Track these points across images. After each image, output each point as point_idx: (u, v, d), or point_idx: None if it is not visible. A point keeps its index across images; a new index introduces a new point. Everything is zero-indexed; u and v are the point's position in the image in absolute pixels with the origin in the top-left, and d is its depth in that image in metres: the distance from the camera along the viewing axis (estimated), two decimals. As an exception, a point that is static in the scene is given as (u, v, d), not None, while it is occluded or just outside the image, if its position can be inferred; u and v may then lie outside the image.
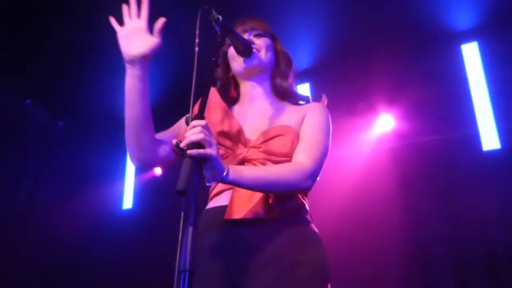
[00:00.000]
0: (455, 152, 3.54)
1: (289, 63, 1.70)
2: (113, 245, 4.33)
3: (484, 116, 3.58)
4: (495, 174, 3.36)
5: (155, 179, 4.52)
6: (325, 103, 1.67)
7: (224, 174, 1.23)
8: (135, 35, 1.39)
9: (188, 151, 1.13)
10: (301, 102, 1.67)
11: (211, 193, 1.54)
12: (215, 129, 1.47)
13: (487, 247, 3.23)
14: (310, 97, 1.67)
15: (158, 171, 4.51)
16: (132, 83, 1.40)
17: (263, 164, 1.45)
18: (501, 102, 3.57)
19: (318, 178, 1.47)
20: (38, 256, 4.18)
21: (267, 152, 1.47)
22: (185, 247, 1.03)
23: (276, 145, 1.48)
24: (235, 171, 1.28)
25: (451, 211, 3.42)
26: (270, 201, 1.40)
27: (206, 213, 1.50)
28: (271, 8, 3.46)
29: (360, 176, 3.69)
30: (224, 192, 1.47)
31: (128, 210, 4.58)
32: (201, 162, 1.15)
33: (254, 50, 1.60)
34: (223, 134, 1.49)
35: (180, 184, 1.05)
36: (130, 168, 4.72)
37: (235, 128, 1.50)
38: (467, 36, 3.80)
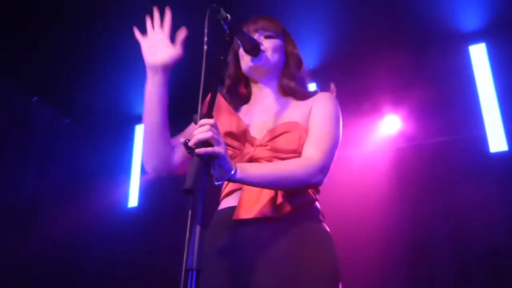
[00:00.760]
0: (462, 154, 3.52)
1: (299, 64, 1.69)
2: (118, 243, 4.33)
3: (491, 117, 3.56)
4: (502, 176, 3.35)
5: (161, 177, 4.51)
6: (334, 93, 1.66)
7: (232, 172, 1.23)
8: (158, 45, 1.45)
9: (196, 150, 1.13)
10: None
11: (222, 194, 1.54)
12: (222, 130, 1.47)
13: (493, 250, 3.21)
14: (318, 91, 1.66)
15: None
16: (153, 90, 1.45)
17: (270, 161, 1.44)
18: (509, 104, 3.55)
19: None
20: (42, 253, 4.19)
21: (274, 150, 1.46)
22: (192, 245, 1.03)
23: (283, 142, 1.47)
24: (243, 169, 1.28)
25: (457, 213, 3.41)
26: (279, 200, 1.39)
27: (217, 214, 1.50)
28: (275, 9, 3.45)
29: (365, 177, 3.68)
30: (234, 193, 1.47)
31: (133, 208, 4.58)
32: (209, 160, 1.15)
33: (261, 49, 1.59)
34: (230, 134, 1.49)
35: (188, 182, 1.05)
36: (135, 166, 4.72)
37: (241, 128, 1.50)
38: (475, 37, 3.77)
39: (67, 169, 4.64)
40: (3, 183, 4.20)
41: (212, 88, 1.27)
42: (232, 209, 1.42)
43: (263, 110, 1.61)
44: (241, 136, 1.50)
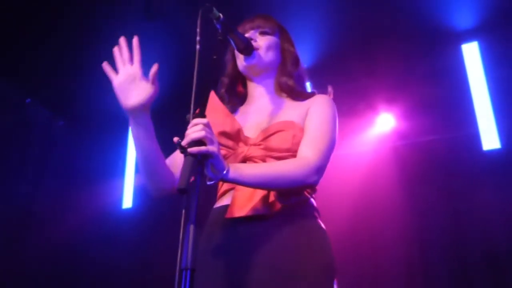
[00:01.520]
0: (455, 152, 3.54)
1: (295, 62, 1.67)
2: (113, 244, 4.32)
3: (484, 115, 3.58)
4: (495, 174, 3.36)
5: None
6: (331, 95, 1.65)
7: (225, 172, 1.23)
8: (131, 84, 1.34)
9: (189, 149, 1.12)
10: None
11: (218, 193, 1.54)
12: (216, 129, 1.47)
13: (488, 246, 3.23)
14: (316, 92, 1.65)
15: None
16: (137, 131, 1.39)
17: (264, 161, 1.44)
18: (501, 102, 3.57)
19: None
20: (37, 255, 4.17)
21: (267, 149, 1.46)
22: (186, 245, 1.02)
23: (277, 141, 1.46)
24: (236, 168, 1.27)
25: (451, 210, 3.42)
26: (272, 198, 1.39)
27: (212, 212, 1.50)
28: (271, 8, 3.45)
29: (360, 176, 3.69)
30: (229, 192, 1.46)
31: (128, 210, 4.57)
32: (203, 160, 1.15)
33: (254, 48, 1.59)
34: (223, 134, 1.48)
35: (181, 182, 1.05)
36: (130, 167, 4.71)
37: (235, 128, 1.49)
38: (468, 36, 3.79)
39: (62, 170, 4.63)
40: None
41: (205, 88, 1.27)
42: (225, 208, 1.42)
43: (258, 109, 1.61)
44: (235, 136, 1.49)
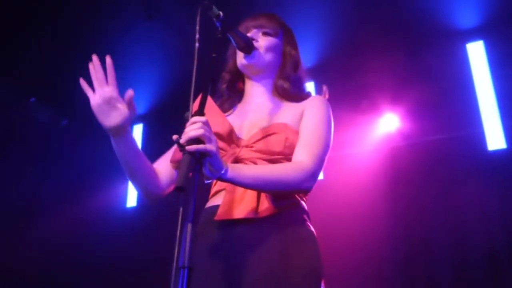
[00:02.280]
0: (460, 152, 3.51)
1: (295, 66, 1.65)
2: (117, 243, 4.32)
3: (489, 115, 3.55)
4: (500, 174, 3.34)
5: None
6: (326, 95, 1.64)
7: (223, 171, 1.22)
8: (108, 105, 1.36)
9: (187, 147, 1.12)
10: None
11: (210, 193, 1.54)
12: None
13: (491, 248, 3.21)
14: (311, 93, 1.64)
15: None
16: (118, 146, 1.43)
17: (255, 163, 1.44)
18: (507, 102, 3.54)
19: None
20: (41, 254, 4.19)
21: (259, 151, 1.45)
22: (184, 243, 1.02)
23: (269, 144, 1.46)
24: (234, 168, 1.27)
25: (456, 211, 3.40)
26: (262, 201, 1.38)
27: (203, 213, 1.50)
28: (273, 7, 3.44)
29: (363, 176, 3.68)
30: (220, 192, 1.46)
31: (132, 208, 4.58)
32: (201, 158, 1.14)
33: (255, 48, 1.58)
34: (215, 134, 1.48)
35: (179, 180, 1.04)
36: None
37: (227, 129, 1.48)
38: (473, 35, 3.77)
39: (65, 169, 4.63)
40: (2, 184, 4.21)
41: (203, 86, 1.26)
42: (216, 209, 1.41)
43: (253, 110, 1.60)
44: (227, 137, 1.48)
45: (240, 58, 1.61)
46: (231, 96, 1.67)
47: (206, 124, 1.17)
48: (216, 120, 1.49)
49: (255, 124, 1.53)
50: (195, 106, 1.23)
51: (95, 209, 4.44)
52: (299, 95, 1.61)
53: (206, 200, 1.54)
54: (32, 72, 4.08)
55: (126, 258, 4.27)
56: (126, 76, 3.98)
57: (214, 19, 1.39)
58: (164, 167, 1.55)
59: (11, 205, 4.16)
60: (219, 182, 1.45)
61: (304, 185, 1.38)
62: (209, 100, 1.55)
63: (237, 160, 1.45)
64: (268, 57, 1.61)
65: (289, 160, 1.45)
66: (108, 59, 1.36)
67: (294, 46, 1.69)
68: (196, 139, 1.14)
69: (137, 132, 4.71)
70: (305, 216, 1.47)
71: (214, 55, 1.34)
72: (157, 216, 4.26)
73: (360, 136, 3.86)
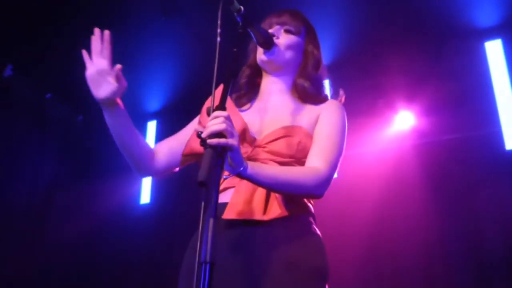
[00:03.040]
0: (477, 151, 3.47)
1: (316, 65, 1.64)
2: (131, 240, 4.34)
3: (507, 114, 3.50)
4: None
5: (173, 173, 4.51)
6: (343, 100, 1.63)
7: (243, 167, 1.22)
8: (100, 77, 1.43)
9: (209, 140, 1.11)
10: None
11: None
12: None
13: (509, 247, 3.16)
14: (328, 97, 1.63)
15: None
16: (109, 120, 1.50)
17: (266, 163, 1.43)
18: (525, 101, 3.49)
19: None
20: (56, 250, 4.23)
21: (271, 153, 1.45)
22: (206, 238, 1.01)
23: (281, 146, 1.45)
24: (254, 165, 1.28)
25: (472, 210, 3.36)
26: (271, 202, 1.38)
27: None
28: (292, 4, 3.42)
29: (379, 174, 3.65)
30: (228, 190, 1.44)
31: (145, 205, 4.59)
32: (222, 152, 1.13)
33: (274, 44, 1.57)
34: None
35: (201, 174, 1.03)
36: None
37: (241, 127, 1.47)
38: (491, 33, 3.72)
39: (80, 166, 4.66)
40: (18, 180, 4.25)
41: (224, 80, 1.26)
42: (224, 206, 1.39)
43: (270, 109, 1.59)
44: (241, 135, 1.46)
45: (260, 54, 1.60)
46: (249, 91, 1.67)
47: (228, 118, 1.17)
48: (232, 118, 1.49)
49: (270, 124, 1.53)
50: (216, 100, 1.22)
51: (109, 206, 4.46)
52: (317, 97, 1.61)
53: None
54: (48, 69, 4.11)
55: (140, 255, 4.29)
56: (141, 72, 3.99)
57: (235, 13, 1.39)
58: (165, 150, 1.60)
59: (28, 201, 4.19)
60: (228, 179, 1.44)
61: (318, 190, 1.39)
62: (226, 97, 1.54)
63: (248, 159, 1.43)
64: (288, 54, 1.60)
65: (300, 163, 1.46)
66: (106, 33, 1.44)
67: (317, 46, 1.68)
68: (218, 133, 1.13)
69: (151, 129, 4.73)
70: (312, 219, 1.47)
71: (235, 49, 1.33)
72: (171, 213, 4.27)
73: (375, 134, 3.83)
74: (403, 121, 3.83)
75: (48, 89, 4.46)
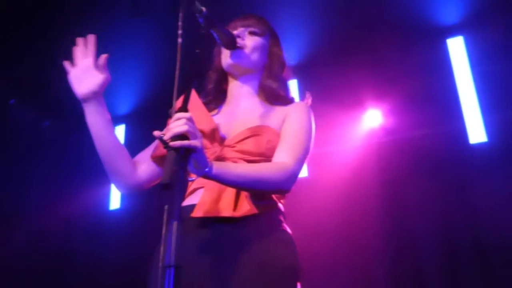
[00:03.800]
0: (442, 146, 3.55)
1: (282, 66, 1.67)
2: (101, 246, 4.27)
3: (470, 109, 3.59)
4: (483, 167, 3.38)
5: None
6: (309, 102, 1.65)
7: (208, 168, 1.22)
8: (84, 74, 1.44)
9: (171, 143, 1.10)
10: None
11: (186, 191, 1.52)
12: None
13: (476, 239, 3.24)
14: (295, 99, 1.66)
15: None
16: (92, 119, 1.46)
17: (236, 162, 1.44)
18: (487, 96, 3.58)
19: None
20: (25, 257, 4.13)
21: (241, 152, 1.46)
22: (169, 242, 1.00)
23: (251, 145, 1.46)
24: (219, 165, 1.27)
25: (440, 204, 3.43)
26: (241, 200, 1.38)
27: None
28: (257, 4, 3.43)
29: (347, 172, 3.68)
30: (197, 191, 1.45)
31: (115, 211, 4.52)
32: (185, 154, 1.12)
33: (238, 45, 1.57)
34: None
35: (165, 177, 1.02)
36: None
37: (211, 127, 1.48)
38: (453, 31, 3.82)
39: (48, 172, 4.56)
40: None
41: (186, 81, 1.25)
42: (192, 207, 1.40)
43: (238, 112, 1.60)
44: (210, 135, 1.48)
45: (226, 57, 1.60)
46: (217, 96, 1.68)
47: (190, 120, 1.16)
48: (201, 118, 1.48)
49: (239, 126, 1.53)
50: (179, 102, 1.21)
51: (78, 212, 4.38)
52: (285, 97, 1.63)
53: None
54: (12, 73, 4.00)
55: (109, 261, 4.22)
56: (112, 78, 3.92)
57: (197, 15, 1.38)
58: (144, 161, 1.53)
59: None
60: (197, 180, 1.44)
61: (284, 185, 1.40)
62: (195, 97, 1.55)
63: (218, 159, 1.44)
64: (254, 56, 1.61)
65: (270, 161, 1.46)
66: (91, 37, 1.47)
67: (280, 48, 1.70)
68: (181, 135, 1.12)
69: (119, 133, 4.66)
70: (282, 217, 1.48)
71: (197, 51, 1.32)
72: (141, 218, 4.22)
73: (344, 133, 3.88)
74: (372, 119, 3.88)
75: (12, 95, 4.35)
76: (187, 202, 1.47)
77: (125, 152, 1.51)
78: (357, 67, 3.87)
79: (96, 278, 4.21)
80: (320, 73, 4.02)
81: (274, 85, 1.62)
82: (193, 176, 1.41)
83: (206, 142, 1.47)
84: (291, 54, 4.29)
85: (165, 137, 1.12)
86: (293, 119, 1.53)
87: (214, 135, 1.48)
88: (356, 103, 3.87)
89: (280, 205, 1.50)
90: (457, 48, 3.78)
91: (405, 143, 3.67)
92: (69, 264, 4.29)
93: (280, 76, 1.65)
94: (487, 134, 3.49)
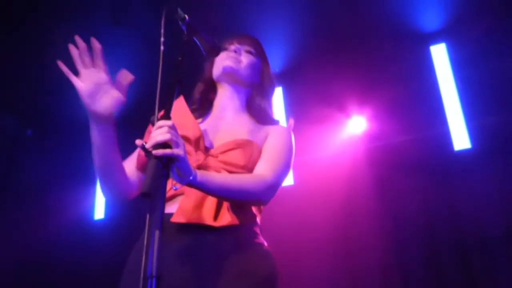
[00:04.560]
0: (426, 152, 3.57)
1: (272, 88, 1.74)
2: (85, 257, 4.21)
3: (454, 116, 3.62)
4: (467, 173, 3.40)
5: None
6: (292, 127, 1.69)
7: (192, 177, 1.21)
8: (99, 90, 1.30)
9: (153, 151, 1.08)
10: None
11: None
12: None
13: (460, 242, 3.26)
14: (279, 122, 1.70)
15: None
16: (99, 139, 1.35)
17: (218, 172, 1.44)
18: (470, 102, 3.61)
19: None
20: (7, 268, 4.05)
21: (224, 162, 1.47)
22: (152, 252, 0.98)
23: (234, 157, 1.48)
24: (203, 174, 1.27)
25: (424, 210, 3.44)
26: (223, 210, 1.39)
27: None
28: (240, 13, 3.44)
29: (333, 178, 3.69)
30: (176, 198, 1.44)
31: (100, 221, 4.47)
32: (168, 163, 1.11)
33: (231, 58, 1.64)
34: (183, 138, 1.46)
35: (145, 186, 1.01)
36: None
37: (196, 134, 1.49)
38: (436, 38, 3.86)
39: (30, 181, 4.49)
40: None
41: (169, 89, 1.24)
42: (172, 215, 1.38)
43: (223, 123, 1.63)
44: (195, 142, 1.49)
45: (223, 61, 1.65)
46: (202, 106, 1.71)
47: (173, 128, 1.15)
48: (187, 124, 1.50)
49: (225, 136, 1.55)
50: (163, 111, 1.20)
51: (62, 222, 4.32)
52: (271, 118, 1.68)
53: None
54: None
55: (94, 272, 4.16)
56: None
57: (180, 22, 1.38)
58: (129, 171, 1.51)
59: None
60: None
61: (263, 196, 1.42)
62: (182, 103, 1.56)
63: (200, 167, 1.44)
64: (248, 72, 1.67)
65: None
66: (96, 45, 1.30)
67: (271, 71, 1.77)
68: (163, 143, 1.11)
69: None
70: (258, 230, 1.50)
71: (180, 58, 1.32)
72: (126, 228, 4.17)
73: (328, 140, 3.88)
74: (356, 126, 3.90)
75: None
76: (167, 209, 1.45)
77: (122, 168, 1.46)
78: (341, 74, 3.89)
79: (80, 289, 4.15)
80: (304, 80, 4.04)
81: (263, 104, 1.68)
82: (177, 185, 1.39)
83: (190, 149, 1.47)
84: (275, 61, 4.33)
85: (147, 146, 1.11)
86: (276, 137, 1.58)
87: (199, 143, 1.49)
88: (340, 110, 3.88)
89: (257, 217, 1.52)
90: (440, 55, 3.82)
91: (389, 149, 3.69)
92: (54, 274, 4.22)
93: (270, 96, 1.72)
94: (471, 141, 3.51)
